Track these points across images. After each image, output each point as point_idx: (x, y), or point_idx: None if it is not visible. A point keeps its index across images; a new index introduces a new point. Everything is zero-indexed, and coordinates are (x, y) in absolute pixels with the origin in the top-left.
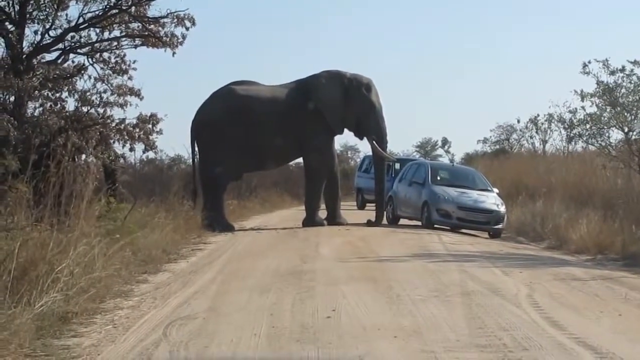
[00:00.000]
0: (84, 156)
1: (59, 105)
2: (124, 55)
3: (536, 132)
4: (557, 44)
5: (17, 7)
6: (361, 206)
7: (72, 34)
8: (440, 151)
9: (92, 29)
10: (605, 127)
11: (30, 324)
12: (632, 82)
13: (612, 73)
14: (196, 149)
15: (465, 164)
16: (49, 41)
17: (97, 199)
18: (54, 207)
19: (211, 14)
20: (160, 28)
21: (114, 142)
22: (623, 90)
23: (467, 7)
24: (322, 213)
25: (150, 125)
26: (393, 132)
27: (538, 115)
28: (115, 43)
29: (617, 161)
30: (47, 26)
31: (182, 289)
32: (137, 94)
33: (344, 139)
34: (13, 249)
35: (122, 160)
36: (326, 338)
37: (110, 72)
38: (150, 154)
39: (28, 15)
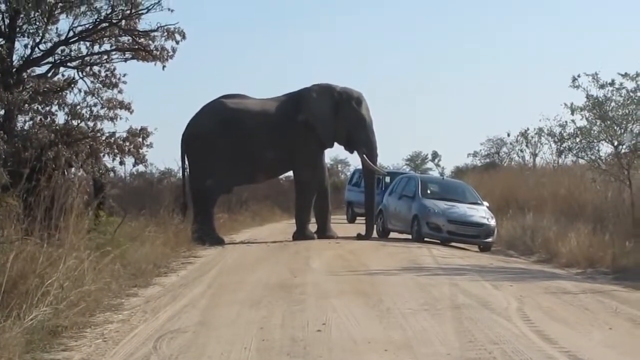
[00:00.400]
0: (73, 170)
1: (49, 118)
2: (114, 68)
3: (526, 146)
4: (548, 56)
5: (7, 21)
6: (351, 220)
7: (62, 47)
8: (430, 164)
9: (82, 42)
10: (595, 141)
11: (20, 337)
12: (622, 95)
13: (602, 87)
14: (186, 162)
15: (455, 178)
16: (39, 55)
17: (86, 213)
18: (44, 221)
19: (202, 28)
20: (150, 41)
21: (104, 155)
22: (613, 104)
23: (458, 17)
24: (313, 227)
25: (140, 139)
26: (383, 146)
27: (528, 128)
28: (106, 56)
29: (607, 175)
30: (37, 40)
31: (172, 302)
32: (127, 107)
33: (335, 153)
34: (4, 262)
35: (112, 174)
36: (317, 352)
37: (101, 86)
38: (141, 168)
39: (18, 29)
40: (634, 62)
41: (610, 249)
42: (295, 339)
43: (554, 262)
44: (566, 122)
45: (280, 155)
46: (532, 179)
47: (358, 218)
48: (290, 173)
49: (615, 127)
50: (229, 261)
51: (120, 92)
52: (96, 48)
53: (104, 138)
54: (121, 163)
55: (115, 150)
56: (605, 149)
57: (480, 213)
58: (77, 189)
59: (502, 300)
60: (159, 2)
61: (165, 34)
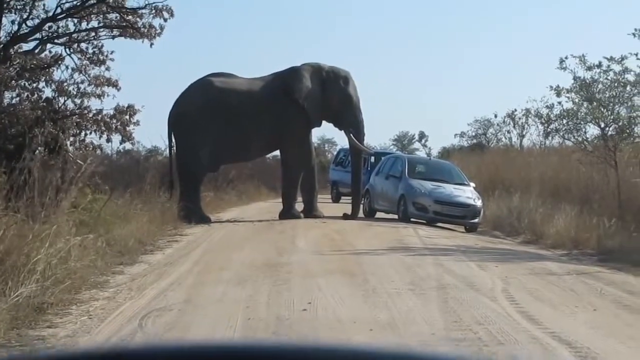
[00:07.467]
0: (60, 146)
1: (35, 95)
2: (102, 45)
3: (513, 127)
4: (535, 38)
5: None
6: (336, 199)
7: (49, 24)
8: (417, 145)
9: (69, 19)
10: (582, 123)
11: (5, 314)
12: (609, 78)
13: (589, 69)
14: (173, 140)
15: (442, 158)
16: (26, 31)
17: (72, 190)
18: (31, 198)
19: (189, 5)
20: (138, 19)
21: (90, 132)
22: (600, 86)
23: (447, 3)
24: (299, 206)
25: (127, 116)
26: (370, 126)
27: (515, 110)
28: (93, 33)
29: (593, 156)
30: (25, 16)
31: (158, 280)
32: (114, 84)
33: (322, 132)
34: None
35: (98, 151)
36: (302, 331)
37: (88, 63)
38: (127, 145)
39: (5, 5)
40: (619, 45)
41: (595, 231)
42: (280, 317)
43: (539, 244)
44: (553, 104)
45: (267, 134)
46: (519, 160)
47: (343, 198)
48: (277, 152)
49: (602, 109)
50: (215, 240)
51: (107, 69)
52: (84, 25)
53: (90, 115)
54: (108, 140)
55: (102, 128)
56: (592, 130)
57: (467, 194)
58: (64, 165)
59: (488, 280)
60: None
61: (154, 11)
